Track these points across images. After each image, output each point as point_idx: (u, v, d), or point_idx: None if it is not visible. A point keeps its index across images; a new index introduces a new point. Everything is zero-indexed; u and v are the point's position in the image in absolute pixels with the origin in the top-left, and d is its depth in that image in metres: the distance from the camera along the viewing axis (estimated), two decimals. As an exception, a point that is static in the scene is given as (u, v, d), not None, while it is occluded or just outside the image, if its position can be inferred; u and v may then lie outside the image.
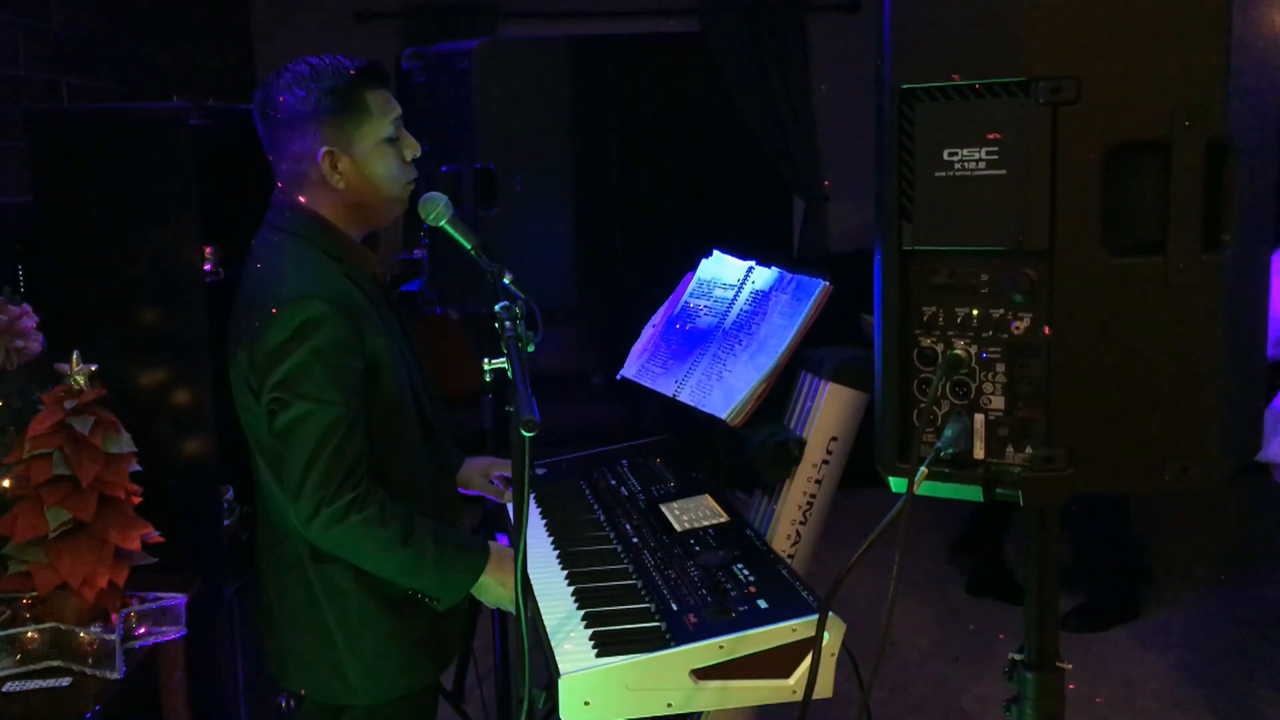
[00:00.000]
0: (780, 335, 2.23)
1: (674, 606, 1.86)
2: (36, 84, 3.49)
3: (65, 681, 2.28)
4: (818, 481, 2.20)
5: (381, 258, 2.17)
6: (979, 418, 1.44)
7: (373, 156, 2.04)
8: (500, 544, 2.16)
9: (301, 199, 2.05)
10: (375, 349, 2.00)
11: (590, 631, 1.82)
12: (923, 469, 1.44)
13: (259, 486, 2.13)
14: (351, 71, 2.01)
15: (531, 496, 2.40)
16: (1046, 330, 1.38)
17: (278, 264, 2.01)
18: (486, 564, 2.06)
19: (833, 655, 1.75)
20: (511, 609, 2.02)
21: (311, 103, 1.98)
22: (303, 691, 2.16)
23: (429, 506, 2.12)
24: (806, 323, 2.22)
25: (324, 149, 2.00)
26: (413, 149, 2.09)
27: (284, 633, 2.12)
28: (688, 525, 2.20)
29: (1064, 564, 4.73)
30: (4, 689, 2.25)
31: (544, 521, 2.34)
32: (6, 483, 2.36)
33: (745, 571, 1.96)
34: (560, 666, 1.72)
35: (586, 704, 1.69)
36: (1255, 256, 1.45)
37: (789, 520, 2.20)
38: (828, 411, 2.17)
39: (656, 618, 1.85)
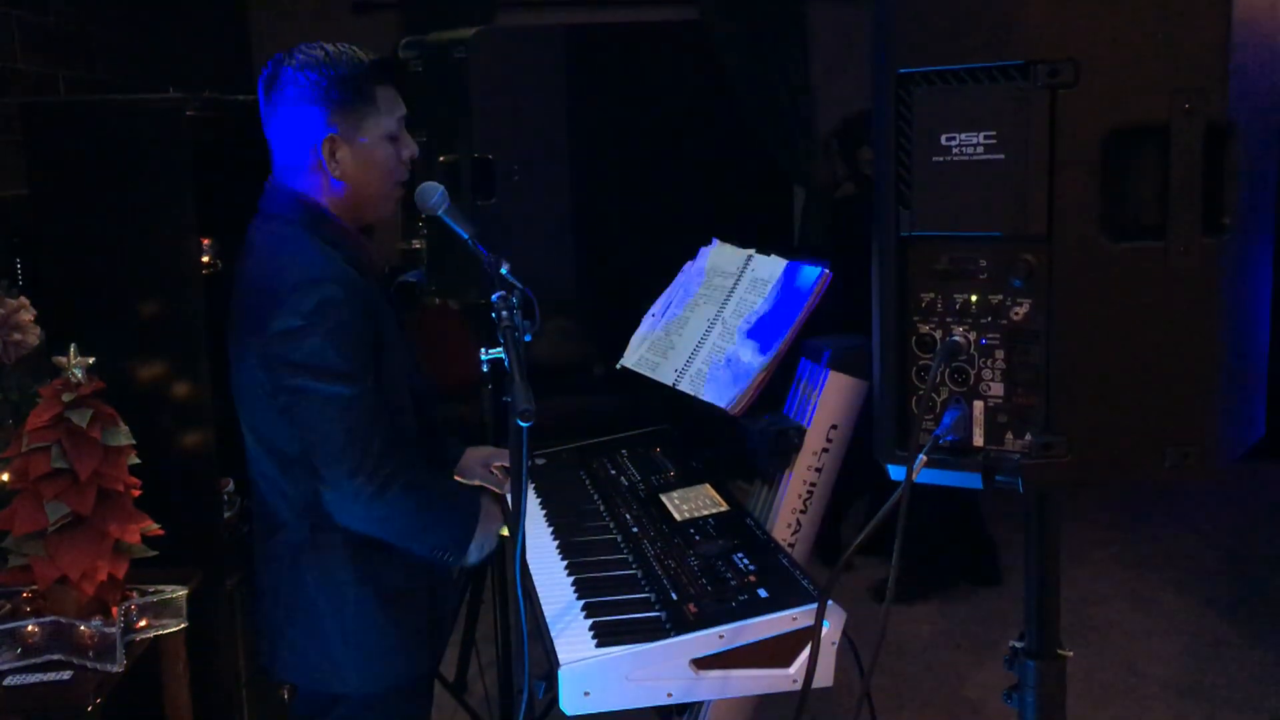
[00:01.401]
0: (780, 323, 2.22)
1: (674, 596, 1.85)
2: (33, 76, 3.47)
3: (66, 675, 2.28)
4: (818, 470, 2.19)
5: (380, 249, 2.17)
6: (978, 404, 1.43)
7: (373, 150, 2.04)
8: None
9: (296, 185, 2.04)
10: (377, 335, 2.01)
11: (590, 622, 1.82)
12: (921, 456, 1.43)
13: (253, 477, 2.12)
14: (366, 63, 2.03)
15: (531, 486, 2.39)
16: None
17: (281, 250, 2.00)
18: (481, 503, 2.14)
19: (833, 644, 1.75)
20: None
21: (322, 87, 1.99)
22: (286, 689, 2.17)
23: None
24: (806, 311, 2.21)
25: (326, 135, 2.00)
26: (411, 150, 2.11)
27: (278, 623, 2.12)
28: (687, 515, 2.20)
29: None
30: (5, 682, 2.25)
31: (544, 511, 2.33)
32: (5, 476, 2.35)
33: (745, 561, 1.95)
34: (560, 657, 1.72)
35: (587, 694, 1.69)
36: (1256, 241, 1.44)
37: (789, 509, 2.19)
38: (828, 400, 2.17)
39: (656, 607, 1.85)
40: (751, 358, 2.22)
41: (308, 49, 2.02)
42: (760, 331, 2.25)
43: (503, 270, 2.01)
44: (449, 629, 2.29)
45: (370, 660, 2.07)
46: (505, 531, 2.16)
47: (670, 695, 1.73)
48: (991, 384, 1.43)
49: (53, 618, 2.32)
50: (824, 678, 1.70)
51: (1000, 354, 1.42)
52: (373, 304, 2.01)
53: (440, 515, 2.05)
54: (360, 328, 1.95)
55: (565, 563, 2.06)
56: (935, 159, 1.40)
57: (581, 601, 1.89)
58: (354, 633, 2.06)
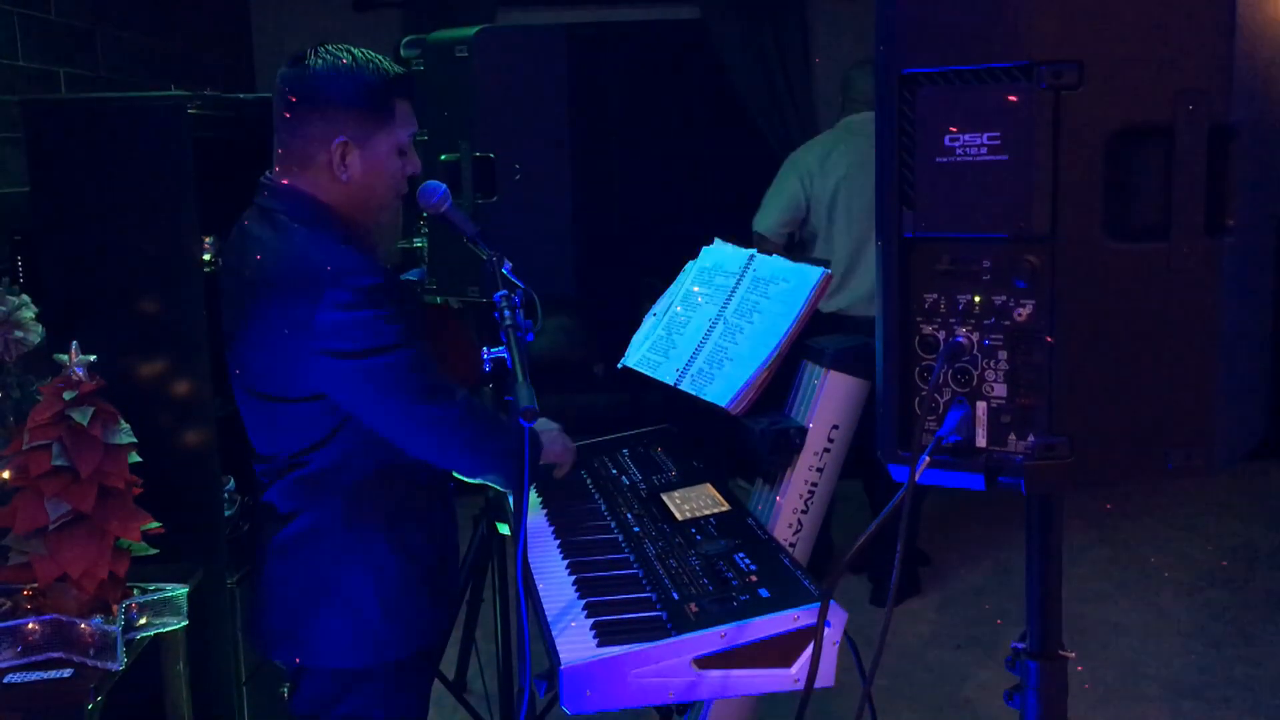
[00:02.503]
0: (781, 323, 2.22)
1: (675, 596, 1.85)
2: (34, 74, 3.47)
3: (66, 673, 2.28)
4: (819, 470, 2.19)
5: (381, 246, 2.17)
6: (981, 405, 1.43)
7: (383, 160, 2.05)
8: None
9: (300, 184, 2.03)
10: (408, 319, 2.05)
11: (591, 621, 1.82)
12: (924, 457, 1.43)
13: (262, 468, 2.12)
14: (389, 75, 2.04)
15: (532, 486, 2.39)
16: (1049, 339, 1.37)
17: (304, 245, 2.00)
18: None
19: (834, 644, 1.75)
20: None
21: (346, 92, 1.99)
22: (286, 687, 2.17)
23: (433, 485, 2.16)
24: (808, 311, 2.21)
25: (340, 138, 2.00)
26: (415, 167, 2.12)
27: (302, 610, 2.11)
28: (689, 514, 2.20)
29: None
30: (5, 680, 2.25)
31: (545, 511, 2.33)
32: (6, 474, 2.35)
33: (746, 560, 1.95)
34: (561, 656, 1.72)
35: (588, 693, 1.69)
36: (1258, 242, 1.44)
37: (790, 509, 2.19)
38: (829, 400, 2.17)
39: (658, 607, 1.85)
40: (753, 357, 2.22)
41: (333, 51, 2.02)
42: (761, 331, 2.25)
43: (504, 269, 2.01)
44: (460, 594, 2.32)
45: (409, 625, 2.11)
46: (506, 530, 2.16)
47: (672, 695, 1.73)
48: (994, 385, 1.42)
49: (53, 616, 2.32)
50: (825, 678, 1.70)
51: (1003, 355, 1.41)
52: (402, 293, 2.04)
53: (509, 436, 2.06)
54: (400, 310, 2.00)
55: (567, 562, 2.07)
56: (939, 160, 1.40)
57: (583, 601, 1.89)
58: (393, 600, 2.08)
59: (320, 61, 2.00)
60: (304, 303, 1.93)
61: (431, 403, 2.01)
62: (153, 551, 2.47)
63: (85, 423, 2.29)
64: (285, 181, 2.05)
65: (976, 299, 1.42)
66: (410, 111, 2.09)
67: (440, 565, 2.18)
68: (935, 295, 1.44)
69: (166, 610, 2.50)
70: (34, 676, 2.26)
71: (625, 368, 2.54)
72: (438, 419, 2.02)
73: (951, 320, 1.44)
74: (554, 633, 1.80)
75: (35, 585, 2.36)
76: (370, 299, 1.94)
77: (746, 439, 2.24)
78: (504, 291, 1.95)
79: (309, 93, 2.00)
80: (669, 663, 1.71)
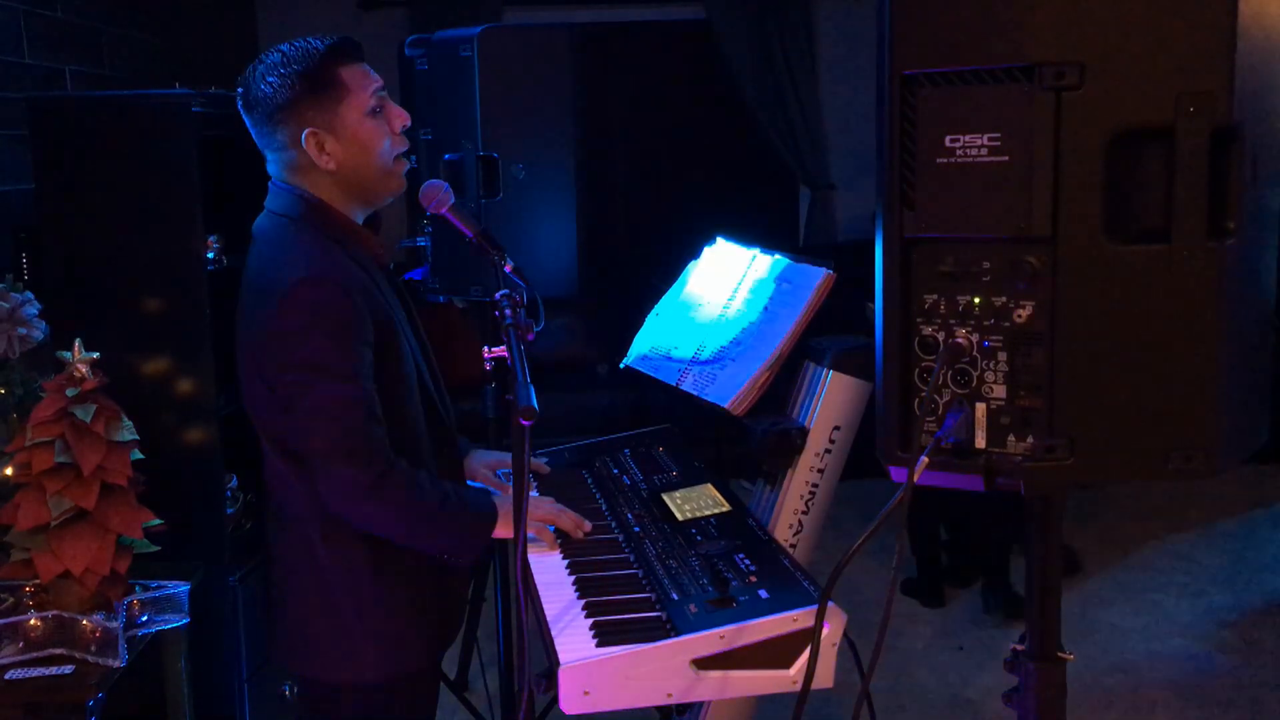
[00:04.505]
0: (783, 324, 2.22)
1: (675, 596, 1.85)
2: (39, 71, 3.48)
3: (68, 669, 2.28)
4: (820, 471, 2.19)
5: (383, 244, 2.17)
6: (980, 407, 1.43)
7: (358, 132, 2.03)
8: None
9: (296, 184, 2.05)
10: (382, 329, 2.01)
11: (591, 621, 1.82)
12: (923, 458, 1.43)
13: (265, 473, 2.13)
14: (321, 50, 2.01)
15: (533, 485, 2.39)
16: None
17: (283, 249, 2.01)
18: (498, 510, 2.08)
19: (834, 645, 1.74)
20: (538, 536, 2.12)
21: (287, 89, 1.98)
22: (289, 686, 2.15)
23: None
24: (809, 311, 2.20)
25: (307, 132, 2.00)
26: (400, 119, 2.08)
27: (294, 618, 2.12)
28: (689, 514, 2.20)
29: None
30: (6, 677, 2.25)
31: (546, 510, 2.32)
32: (9, 470, 2.36)
33: (747, 561, 1.95)
34: (560, 656, 1.72)
35: (587, 694, 1.69)
36: (1260, 244, 1.44)
37: (791, 510, 2.19)
38: (830, 400, 2.16)
39: (657, 607, 1.84)
40: (754, 358, 2.22)
41: (266, 56, 2.03)
42: (763, 331, 2.25)
43: (507, 268, 2.01)
44: (461, 614, 2.29)
45: (390, 647, 2.08)
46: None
47: (670, 695, 1.72)
48: (994, 386, 1.42)
49: (55, 612, 2.33)
50: (824, 679, 1.70)
51: (1003, 356, 1.41)
52: (375, 301, 2.01)
53: (444, 518, 2.03)
54: (360, 327, 1.95)
55: (567, 562, 2.06)
56: (939, 161, 1.40)
57: (583, 601, 1.89)
58: (374, 621, 2.06)
59: (257, 73, 2.01)
60: (268, 305, 1.94)
61: (355, 452, 1.91)
62: (155, 548, 2.47)
63: (88, 420, 2.29)
64: (282, 181, 2.07)
65: (976, 300, 1.42)
66: (361, 72, 2.05)
67: (433, 588, 2.12)
68: (935, 296, 1.45)
69: (168, 607, 2.50)
70: (35, 673, 2.27)
71: (627, 368, 2.54)
72: (350, 466, 1.91)
73: (951, 321, 1.44)
74: (554, 633, 1.80)
75: (37, 582, 2.36)
76: (328, 316, 1.91)
77: (748, 439, 2.24)
78: (506, 290, 1.95)
79: (259, 107, 2.01)
80: (668, 663, 1.71)
